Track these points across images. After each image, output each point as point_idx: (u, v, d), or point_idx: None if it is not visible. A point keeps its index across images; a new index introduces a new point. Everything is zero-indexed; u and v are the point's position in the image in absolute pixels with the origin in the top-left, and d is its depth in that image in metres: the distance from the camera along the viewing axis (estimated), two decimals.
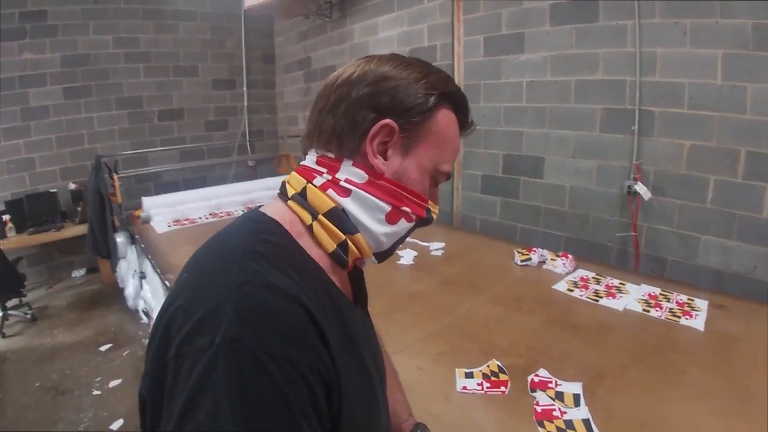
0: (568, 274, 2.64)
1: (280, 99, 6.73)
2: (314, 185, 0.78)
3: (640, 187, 2.79)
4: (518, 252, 2.83)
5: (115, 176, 4.03)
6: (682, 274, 2.82)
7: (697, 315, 2.19)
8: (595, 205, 3.17)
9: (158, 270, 2.80)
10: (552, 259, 2.72)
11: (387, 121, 0.75)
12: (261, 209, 0.80)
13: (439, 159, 0.82)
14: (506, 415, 1.65)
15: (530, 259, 2.77)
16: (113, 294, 4.98)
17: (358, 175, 0.78)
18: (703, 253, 2.70)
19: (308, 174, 0.80)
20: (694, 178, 2.62)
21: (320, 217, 0.77)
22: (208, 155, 6.36)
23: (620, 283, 2.54)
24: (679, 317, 2.19)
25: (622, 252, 3.10)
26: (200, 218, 3.85)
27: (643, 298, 2.38)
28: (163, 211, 3.93)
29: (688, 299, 2.34)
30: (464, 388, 1.76)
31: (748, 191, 2.46)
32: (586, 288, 2.51)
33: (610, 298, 2.40)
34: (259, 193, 4.48)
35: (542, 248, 2.89)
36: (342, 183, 0.78)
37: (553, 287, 2.53)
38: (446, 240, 3.25)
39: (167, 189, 4.94)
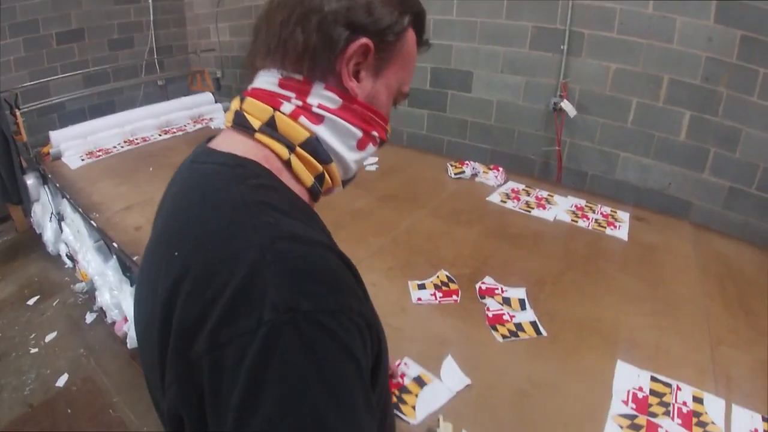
0: (499, 186, 2.72)
1: (189, 10, 6.08)
2: (283, 113, 0.69)
3: (566, 105, 2.86)
4: (451, 165, 2.86)
5: (17, 112, 3.50)
6: (602, 187, 3.00)
7: (620, 226, 2.35)
8: (522, 119, 3.24)
9: (79, 209, 2.53)
10: (484, 172, 2.78)
11: (365, 40, 0.68)
12: (218, 146, 0.70)
13: (404, 80, 0.79)
14: (462, 322, 1.72)
15: (463, 172, 2.82)
16: (31, 241, 4.46)
17: (331, 99, 0.71)
18: (622, 169, 2.85)
19: (272, 100, 0.70)
20: (618, 99, 2.72)
21: (297, 149, 0.69)
22: (114, 78, 5.70)
23: (549, 195, 2.66)
24: (604, 227, 2.33)
25: (545, 165, 3.23)
26: (115, 147, 3.47)
27: (570, 209, 2.51)
28: (73, 145, 3.49)
29: (611, 211, 2.49)
30: (419, 299, 1.80)
31: (667, 115, 2.59)
32: (518, 199, 2.61)
33: (541, 209, 2.51)
34: (174, 114, 4.09)
35: (472, 161, 2.93)
36: (315, 109, 0.70)
37: (487, 199, 2.61)
38: (378, 154, 3.20)
39: (74, 119, 4.33)
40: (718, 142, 2.62)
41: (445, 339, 1.64)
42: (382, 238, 2.12)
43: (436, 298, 1.82)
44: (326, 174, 0.73)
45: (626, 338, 1.69)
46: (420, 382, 1.47)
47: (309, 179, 0.71)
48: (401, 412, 1.38)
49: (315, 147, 0.70)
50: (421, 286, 1.88)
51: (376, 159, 3.13)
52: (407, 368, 1.52)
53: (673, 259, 2.11)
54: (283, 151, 0.68)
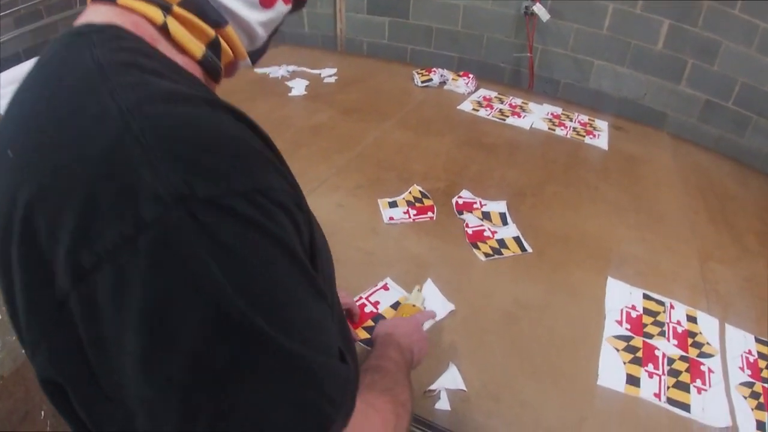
0: (470, 94, 2.46)
1: None
2: None
3: (538, 8, 2.55)
4: (417, 73, 2.57)
5: None
6: (575, 96, 2.77)
7: (599, 134, 2.14)
8: (491, 25, 2.91)
9: None
10: (453, 79, 2.49)
11: None
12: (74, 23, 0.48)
13: None
14: (440, 240, 1.50)
15: (431, 80, 2.52)
16: None
17: None
18: (596, 77, 2.62)
19: None
20: (593, 4, 2.54)
21: (175, 8, 0.47)
22: (46, 14, 4.89)
23: (523, 102, 2.42)
24: (583, 136, 2.12)
25: (516, 73, 2.95)
26: None
27: (547, 117, 2.28)
28: (10, 91, 2.87)
29: (589, 119, 2.27)
30: (391, 218, 1.57)
31: (645, 23, 2.36)
32: (491, 107, 2.35)
33: (516, 117, 2.27)
34: None
35: (439, 68, 2.62)
36: None
37: (458, 108, 2.34)
38: (336, 65, 2.83)
39: (9, 65, 3.60)
40: (696, 53, 2.41)
41: (423, 260, 1.43)
42: (346, 154, 1.84)
43: (409, 216, 1.57)
44: (222, 41, 0.51)
45: (615, 253, 1.52)
46: (397, 308, 1.24)
47: (198, 48, 0.49)
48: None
49: (200, 4, 0.49)
50: (393, 204, 1.63)
51: (334, 70, 2.76)
52: (387, 292, 1.28)
53: (655, 171, 1.93)
54: (157, 14, 0.46)
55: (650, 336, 1.30)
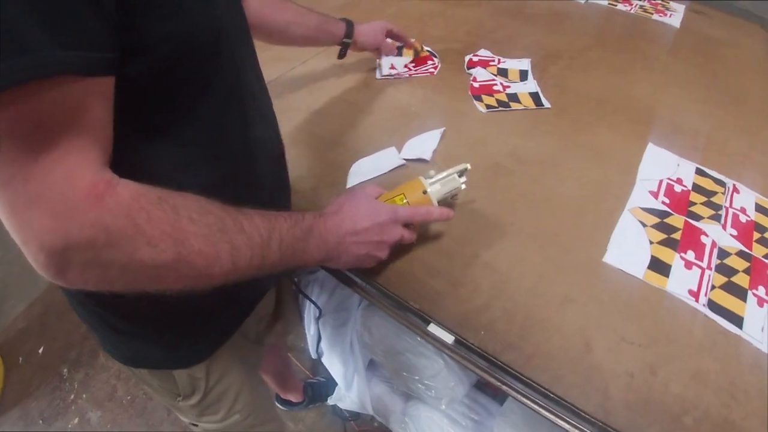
0: None
1: None
2: None
3: None
4: None
5: None
6: None
7: (672, 14, 1.58)
8: None
9: None
10: None
11: None
12: None
13: None
14: (437, 93, 1.14)
15: None
16: None
17: None
18: None
19: None
20: None
21: None
22: None
23: None
24: (651, 13, 1.56)
25: None
26: None
27: None
28: None
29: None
30: (392, 67, 1.20)
31: None
32: None
33: None
34: None
35: None
36: None
37: None
38: None
39: None
40: None
41: (408, 111, 1.07)
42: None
43: (408, 70, 1.17)
44: None
45: (667, 121, 1.06)
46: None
47: None
48: None
49: None
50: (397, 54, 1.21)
51: None
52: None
53: (741, 55, 1.41)
54: None
55: (698, 218, 0.86)
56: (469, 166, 0.73)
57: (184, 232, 0.41)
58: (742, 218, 0.89)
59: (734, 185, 0.95)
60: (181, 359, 0.67)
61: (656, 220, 0.85)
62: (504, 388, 0.66)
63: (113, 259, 0.37)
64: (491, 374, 0.67)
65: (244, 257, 0.46)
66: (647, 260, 0.78)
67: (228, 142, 0.55)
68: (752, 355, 0.70)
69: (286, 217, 0.53)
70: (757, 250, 0.84)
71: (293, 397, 1.51)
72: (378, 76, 1.19)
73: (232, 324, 0.71)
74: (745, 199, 0.93)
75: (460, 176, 0.72)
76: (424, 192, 0.68)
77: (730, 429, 0.62)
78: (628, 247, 0.79)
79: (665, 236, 0.82)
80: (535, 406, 0.65)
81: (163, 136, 0.47)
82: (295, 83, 1.15)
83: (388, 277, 0.73)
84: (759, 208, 0.92)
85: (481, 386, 1.04)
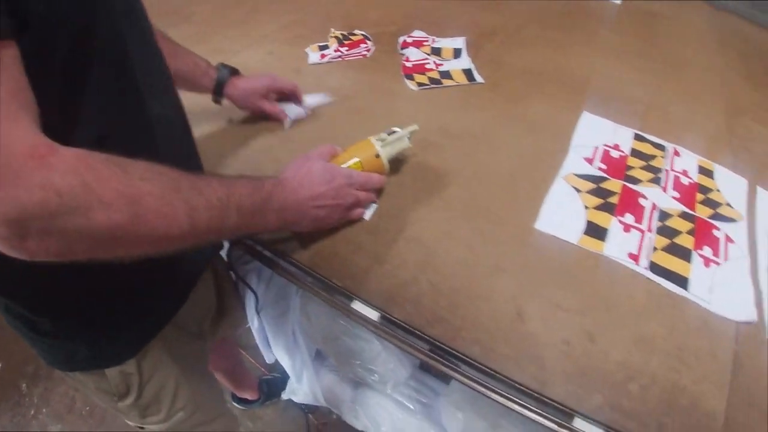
0: None
1: None
2: None
3: None
4: None
5: None
6: None
7: None
8: None
9: None
10: None
11: None
12: None
13: None
14: (368, 75, 1.10)
15: None
16: None
17: None
18: None
19: None
20: None
21: None
22: None
23: None
24: None
25: None
26: None
27: None
28: None
29: None
30: (322, 56, 1.15)
31: None
32: None
33: None
34: None
35: None
36: None
37: None
38: None
39: None
40: None
41: (339, 94, 1.00)
42: (294, 15, 1.35)
43: (341, 54, 1.11)
44: None
45: (606, 91, 1.02)
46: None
47: None
48: None
49: None
50: (323, 47, 1.16)
51: None
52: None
53: (683, 27, 1.40)
54: None
55: (636, 181, 0.81)
56: (417, 127, 0.74)
57: (138, 191, 0.39)
58: (684, 180, 0.85)
59: (675, 149, 0.91)
60: (110, 356, 0.64)
61: (591, 185, 0.80)
62: (432, 363, 0.61)
63: (69, 223, 0.36)
64: (420, 350, 0.62)
65: (202, 219, 0.45)
66: (583, 226, 0.73)
67: (121, 120, 0.51)
68: (700, 317, 0.66)
69: (245, 183, 0.53)
70: (701, 211, 0.80)
71: (249, 395, 1.49)
72: (309, 62, 1.13)
73: (162, 316, 0.68)
74: (688, 162, 0.89)
75: (408, 138, 0.74)
76: (377, 155, 0.70)
77: (681, 394, 0.57)
78: (562, 214, 0.74)
79: (601, 201, 0.77)
80: (470, 382, 0.60)
81: (51, 115, 0.42)
82: None
83: (312, 257, 0.68)
84: (702, 170, 0.88)
85: (426, 368, 0.99)
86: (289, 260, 0.69)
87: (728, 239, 0.76)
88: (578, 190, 0.78)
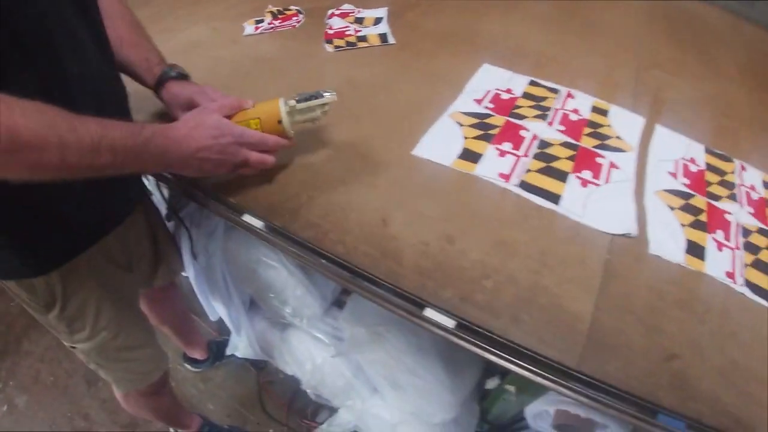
0: None
1: None
2: None
3: None
4: None
5: None
6: None
7: None
8: None
9: None
10: None
11: None
12: None
13: None
14: (292, 42, 1.15)
15: None
16: None
17: None
18: None
19: None
20: None
21: None
22: None
23: None
24: None
25: None
26: None
27: None
28: None
29: None
30: (256, 28, 1.22)
31: None
32: None
33: None
34: None
35: None
36: None
37: None
38: None
39: None
40: None
41: (264, 58, 1.07)
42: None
43: (273, 26, 1.18)
44: None
45: (511, 46, 1.10)
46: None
47: None
48: None
49: None
50: (259, 21, 1.23)
51: None
52: None
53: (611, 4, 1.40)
54: None
55: (521, 117, 0.87)
56: (335, 97, 0.70)
57: (15, 124, 0.45)
58: (573, 117, 0.90)
59: (569, 91, 0.96)
60: (36, 265, 0.70)
61: (475, 120, 0.85)
62: (302, 261, 0.68)
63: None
64: (299, 255, 0.68)
65: (73, 155, 0.50)
66: (458, 151, 0.78)
67: (34, 77, 0.56)
68: (571, 228, 0.70)
69: (123, 126, 0.55)
70: (586, 142, 0.85)
71: (198, 354, 1.54)
72: (244, 34, 1.20)
73: (83, 238, 0.74)
74: (581, 102, 0.94)
75: (321, 107, 0.71)
76: (279, 122, 0.69)
77: (542, 293, 0.62)
78: (440, 142, 0.80)
79: (482, 132, 0.82)
80: (337, 278, 0.65)
81: None
82: (176, 48, 1.15)
83: (218, 184, 0.75)
84: (596, 110, 0.93)
85: (341, 305, 1.03)
86: (201, 191, 0.76)
87: (612, 165, 0.81)
88: (461, 125, 0.84)
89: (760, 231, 0.75)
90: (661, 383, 0.55)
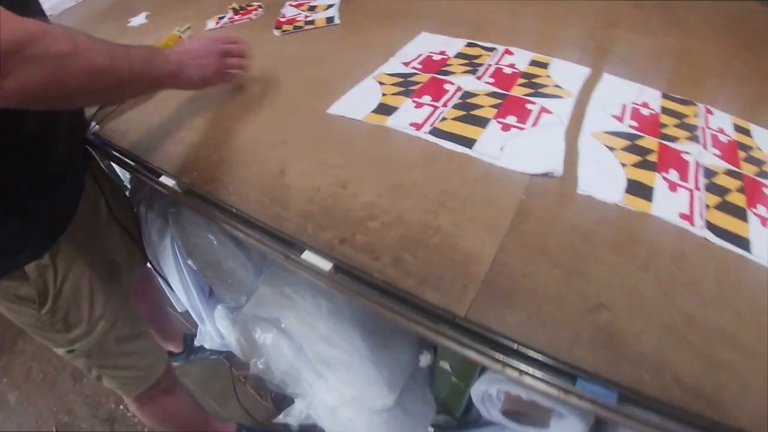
0: None
1: None
2: None
3: None
4: None
5: None
6: None
7: None
8: None
9: None
10: None
11: None
12: None
13: None
14: (246, 31, 1.18)
15: None
16: None
17: None
18: None
19: None
20: None
21: None
22: None
23: None
24: None
25: None
26: None
27: None
28: None
29: None
30: (217, 23, 1.25)
31: None
32: None
33: None
34: None
35: None
36: None
37: None
38: None
39: None
40: None
41: None
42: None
43: (232, 20, 1.22)
44: None
45: (456, 16, 1.10)
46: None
47: None
48: None
49: None
50: (222, 17, 1.27)
51: None
52: None
53: None
54: None
55: (447, 74, 0.86)
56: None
57: (74, 35, 0.55)
58: (507, 71, 0.88)
59: (506, 49, 0.93)
60: (29, 251, 0.72)
61: (398, 80, 0.85)
62: (208, 217, 0.70)
63: (35, 53, 0.49)
64: (205, 212, 0.70)
65: (117, 57, 0.60)
66: (373, 107, 0.77)
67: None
68: (482, 170, 0.67)
69: (138, 47, 0.66)
70: (517, 91, 0.82)
71: (173, 347, 1.53)
72: (206, 29, 1.24)
73: (63, 216, 0.76)
74: (518, 58, 0.91)
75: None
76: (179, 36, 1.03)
77: (435, 233, 0.59)
78: (357, 100, 0.79)
79: (401, 89, 0.82)
80: (234, 229, 0.66)
81: None
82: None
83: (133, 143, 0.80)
84: (534, 63, 0.90)
85: None
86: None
87: (544, 110, 0.78)
88: (381, 83, 0.83)
89: (729, 172, 0.68)
90: (580, 339, 0.46)
